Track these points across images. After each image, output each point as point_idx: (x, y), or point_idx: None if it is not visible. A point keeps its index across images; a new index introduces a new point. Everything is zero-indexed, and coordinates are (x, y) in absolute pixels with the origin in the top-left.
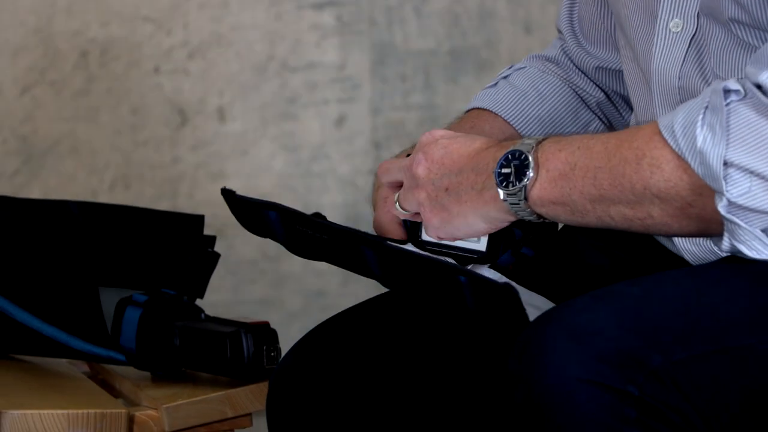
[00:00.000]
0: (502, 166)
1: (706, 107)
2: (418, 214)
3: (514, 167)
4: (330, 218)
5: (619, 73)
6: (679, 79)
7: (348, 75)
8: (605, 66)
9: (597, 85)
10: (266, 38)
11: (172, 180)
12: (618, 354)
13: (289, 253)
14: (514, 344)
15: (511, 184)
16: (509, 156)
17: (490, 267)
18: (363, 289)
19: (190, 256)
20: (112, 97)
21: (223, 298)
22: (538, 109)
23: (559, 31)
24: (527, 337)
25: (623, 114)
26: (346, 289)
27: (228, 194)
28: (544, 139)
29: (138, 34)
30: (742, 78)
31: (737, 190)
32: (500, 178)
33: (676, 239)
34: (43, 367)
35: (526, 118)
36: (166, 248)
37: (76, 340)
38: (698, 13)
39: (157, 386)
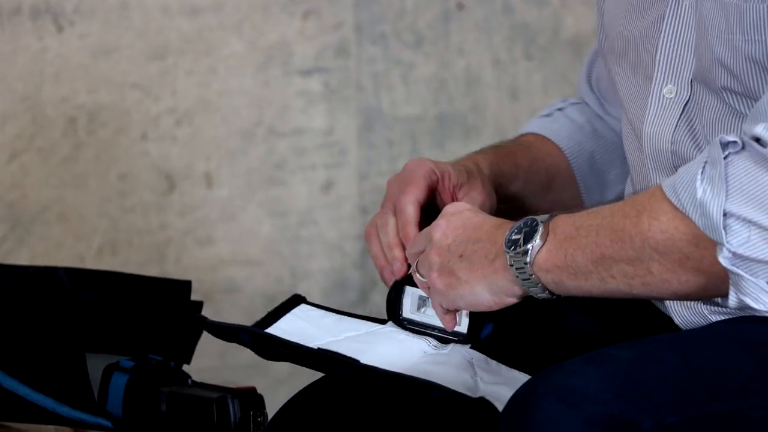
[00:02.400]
0: (513, 233)
1: (706, 162)
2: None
3: (524, 233)
4: (317, 284)
5: None
6: (671, 143)
7: (335, 140)
8: None
9: None
10: (254, 104)
11: (159, 246)
12: (608, 418)
13: None
14: (505, 406)
15: (518, 247)
16: (522, 224)
17: (471, 347)
18: None
19: (177, 321)
20: (100, 164)
21: (209, 363)
22: (592, 144)
23: (586, 103)
24: (518, 400)
25: None
26: None
27: (201, 322)
28: (559, 214)
29: (126, 101)
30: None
31: (737, 240)
32: (509, 244)
33: (668, 306)
34: None
35: (579, 149)
36: (153, 314)
37: (62, 407)
38: (692, 81)
39: None
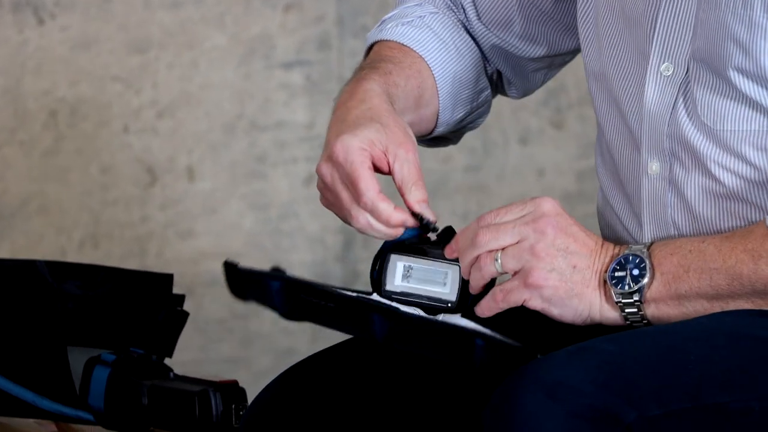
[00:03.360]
0: (615, 270)
1: None
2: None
3: (629, 270)
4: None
5: (512, 57)
6: (668, 125)
7: (317, 134)
8: (505, 47)
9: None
10: (235, 97)
11: (141, 239)
12: (593, 410)
13: (258, 311)
14: (489, 399)
15: (627, 286)
16: (623, 261)
17: (462, 316)
18: None
19: (158, 315)
20: (81, 157)
21: (191, 356)
22: (454, 66)
23: (450, 8)
24: (502, 393)
25: (507, 90)
26: (316, 346)
27: (230, 267)
28: (651, 244)
29: (107, 94)
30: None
31: None
32: (614, 281)
33: None
34: (10, 426)
35: (444, 71)
36: (134, 307)
37: (43, 400)
38: (689, 59)
39: None
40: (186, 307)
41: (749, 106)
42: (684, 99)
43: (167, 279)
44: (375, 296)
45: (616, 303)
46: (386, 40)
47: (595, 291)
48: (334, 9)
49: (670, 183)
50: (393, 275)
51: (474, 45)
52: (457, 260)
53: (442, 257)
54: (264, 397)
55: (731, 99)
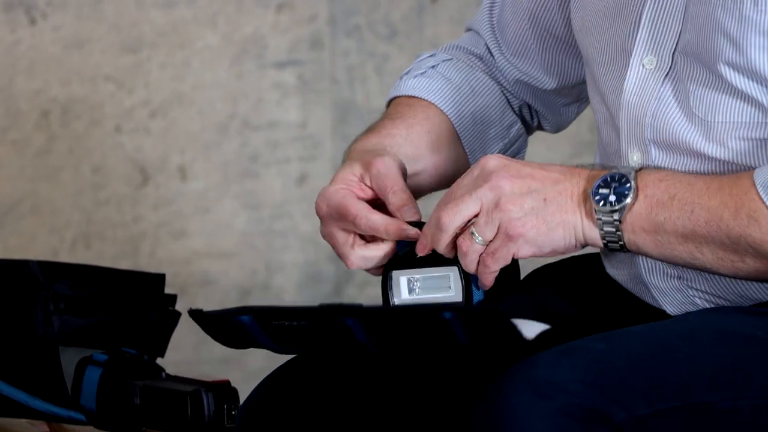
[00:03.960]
0: (599, 187)
1: None
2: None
3: (613, 189)
4: (291, 277)
5: (537, 91)
6: (650, 117)
7: (309, 133)
8: (526, 81)
9: (515, 96)
10: (228, 97)
11: (133, 239)
12: (582, 409)
13: None
14: (478, 398)
15: (609, 204)
16: (608, 178)
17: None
18: None
19: (150, 315)
20: (74, 156)
21: (183, 356)
22: (472, 106)
23: (477, 33)
24: (491, 392)
25: (542, 124)
26: None
27: (196, 314)
28: (641, 168)
29: (99, 94)
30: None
31: None
32: (596, 197)
33: (655, 293)
34: (2, 426)
35: (460, 112)
36: (127, 307)
37: (36, 400)
38: (674, 52)
39: None
40: (178, 306)
41: (739, 99)
42: (673, 91)
43: (159, 279)
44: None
45: (597, 219)
46: (399, 96)
47: (575, 212)
48: (326, 8)
49: None
50: (399, 291)
51: (491, 83)
52: (455, 259)
53: (439, 261)
54: (258, 393)
55: (721, 91)
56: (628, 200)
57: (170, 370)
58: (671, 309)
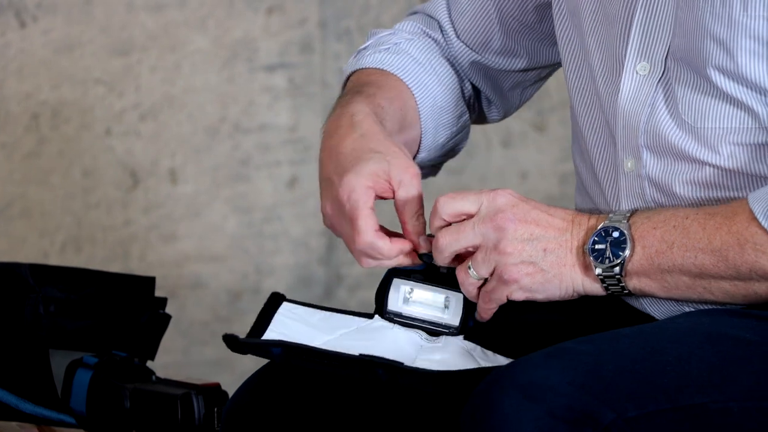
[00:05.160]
0: (595, 243)
1: None
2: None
3: (609, 244)
4: (282, 280)
5: (493, 72)
6: (645, 123)
7: (300, 136)
8: (484, 62)
9: (467, 79)
10: (218, 100)
11: (123, 242)
12: (571, 411)
13: (241, 314)
14: (467, 400)
15: (607, 260)
16: (602, 233)
17: (464, 338)
18: None
19: (141, 318)
20: (64, 160)
21: (174, 359)
22: (434, 88)
23: (430, 16)
24: (480, 394)
25: (487, 114)
26: None
27: (230, 340)
28: (632, 215)
29: (89, 97)
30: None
31: None
32: (594, 254)
33: (645, 303)
34: None
35: (424, 92)
36: (117, 310)
37: (25, 403)
38: (666, 58)
39: None
40: (169, 310)
41: (730, 104)
42: (664, 97)
43: (149, 282)
44: (374, 350)
45: (597, 276)
46: (364, 69)
47: (574, 267)
48: (316, 12)
49: (647, 178)
50: (395, 298)
51: (451, 69)
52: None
53: (445, 284)
54: (244, 390)
55: (712, 97)
56: (626, 253)
57: (160, 373)
58: (660, 316)
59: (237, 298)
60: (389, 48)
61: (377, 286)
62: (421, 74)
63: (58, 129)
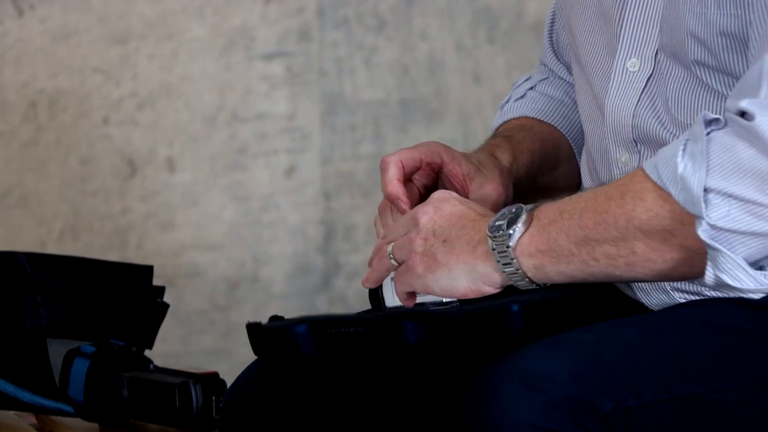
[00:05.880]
0: (497, 220)
1: (688, 139)
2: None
3: (508, 219)
4: (280, 269)
5: None
6: (633, 117)
7: (298, 125)
8: None
9: None
10: (216, 89)
11: (121, 230)
12: (570, 400)
13: (239, 302)
14: (467, 389)
15: (501, 230)
16: (506, 211)
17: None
18: None
19: (139, 306)
20: (61, 148)
21: (172, 348)
22: (578, 117)
23: (543, 64)
24: (479, 383)
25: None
26: None
27: (253, 328)
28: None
29: (87, 85)
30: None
31: (716, 213)
32: (492, 229)
33: (635, 287)
34: None
35: (570, 123)
36: (114, 299)
37: (23, 392)
38: (656, 53)
39: None
40: (166, 298)
41: (718, 98)
42: (654, 93)
43: (147, 270)
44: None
45: (492, 250)
46: (507, 121)
47: (467, 255)
48: (314, 0)
49: None
50: (389, 294)
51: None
52: None
53: None
54: (243, 379)
55: (700, 91)
56: (519, 224)
57: (158, 361)
58: (655, 308)
59: (235, 287)
60: (525, 95)
61: None
62: (561, 110)
63: (56, 117)
